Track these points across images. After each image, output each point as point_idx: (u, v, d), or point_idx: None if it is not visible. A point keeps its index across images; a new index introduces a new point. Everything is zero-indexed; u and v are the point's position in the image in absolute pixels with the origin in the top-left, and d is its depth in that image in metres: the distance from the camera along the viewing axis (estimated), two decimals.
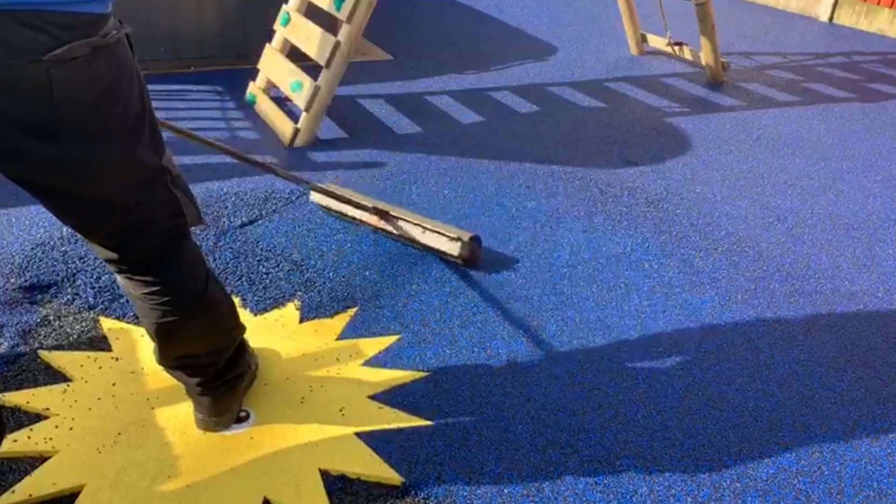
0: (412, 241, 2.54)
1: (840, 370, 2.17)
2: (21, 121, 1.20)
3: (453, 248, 2.44)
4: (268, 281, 2.36)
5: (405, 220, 2.54)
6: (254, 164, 2.17)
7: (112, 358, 1.97)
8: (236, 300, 2.23)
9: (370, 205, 2.56)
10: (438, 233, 2.47)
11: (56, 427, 1.73)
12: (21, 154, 1.24)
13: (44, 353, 1.96)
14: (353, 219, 2.67)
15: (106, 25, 1.25)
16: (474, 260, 2.49)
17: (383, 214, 2.56)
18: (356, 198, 2.58)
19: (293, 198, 2.87)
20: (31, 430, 1.72)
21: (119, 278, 1.56)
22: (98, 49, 1.23)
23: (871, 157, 3.75)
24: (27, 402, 1.79)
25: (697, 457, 1.81)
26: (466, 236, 2.44)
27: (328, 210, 2.75)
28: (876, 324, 2.40)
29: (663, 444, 1.84)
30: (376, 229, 2.62)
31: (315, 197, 2.76)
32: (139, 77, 1.38)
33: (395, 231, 2.56)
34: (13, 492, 1.56)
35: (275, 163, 3.17)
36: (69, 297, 2.20)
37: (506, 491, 1.67)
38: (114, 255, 1.49)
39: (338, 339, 2.12)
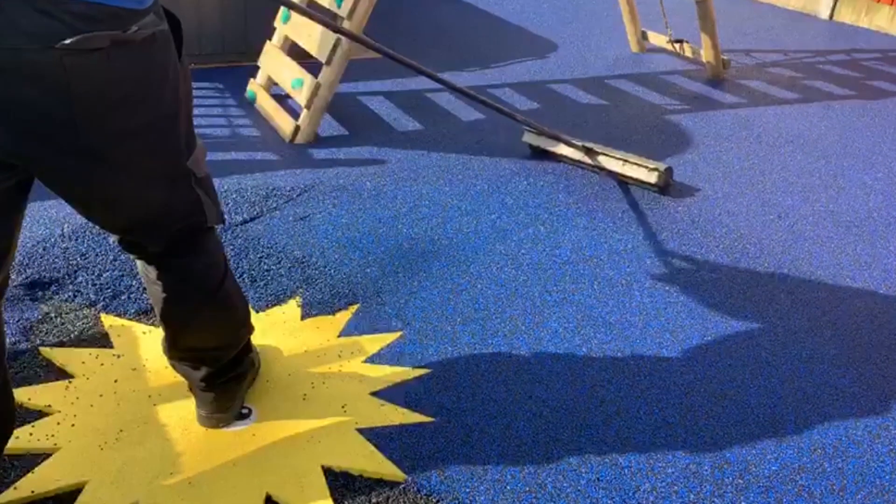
0: (617, 174, 3.12)
1: (842, 367, 2.17)
2: (39, 111, 1.18)
3: (650, 177, 3.03)
4: (269, 278, 2.36)
5: (608, 155, 3.11)
6: None
7: (114, 355, 1.97)
8: None
9: (579, 143, 3.10)
10: (637, 165, 3.04)
11: (58, 424, 1.73)
12: (40, 147, 1.23)
13: (45, 350, 1.96)
14: (563, 156, 3.23)
15: (139, 21, 1.20)
16: (667, 187, 3.10)
17: (589, 152, 3.12)
18: (565, 138, 3.11)
19: (294, 195, 2.87)
20: (32, 426, 1.72)
21: (137, 263, 1.57)
22: (120, 44, 1.19)
23: (872, 155, 3.75)
24: (29, 399, 1.79)
25: (700, 453, 1.81)
26: (662, 167, 3.04)
27: (538, 149, 3.31)
28: (877, 321, 2.40)
29: (665, 440, 1.84)
30: (583, 166, 3.21)
31: (527, 137, 3.30)
32: (177, 76, 1.34)
33: (601, 165, 3.13)
34: (15, 488, 1.56)
35: (275, 161, 3.18)
36: (70, 294, 2.20)
37: (508, 487, 1.67)
38: (130, 245, 1.51)
39: (339, 335, 2.12)
